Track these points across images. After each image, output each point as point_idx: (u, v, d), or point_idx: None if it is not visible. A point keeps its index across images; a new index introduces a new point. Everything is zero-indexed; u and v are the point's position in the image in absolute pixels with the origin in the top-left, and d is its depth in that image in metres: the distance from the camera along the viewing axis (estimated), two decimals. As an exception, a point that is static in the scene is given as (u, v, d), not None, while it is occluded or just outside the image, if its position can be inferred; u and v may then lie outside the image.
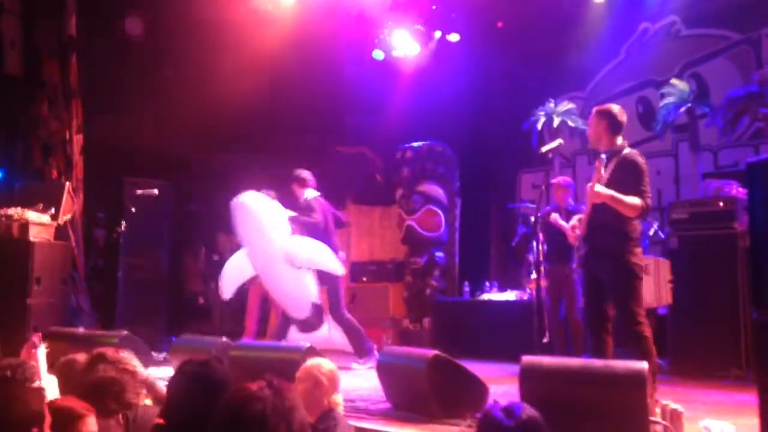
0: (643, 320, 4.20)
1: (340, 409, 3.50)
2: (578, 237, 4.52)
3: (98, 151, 8.69)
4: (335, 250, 6.65)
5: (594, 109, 4.54)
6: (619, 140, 4.42)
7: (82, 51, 8.67)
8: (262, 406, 1.77)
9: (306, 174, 6.98)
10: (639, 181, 4.23)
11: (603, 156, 4.37)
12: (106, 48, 9.03)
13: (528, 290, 7.59)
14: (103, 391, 2.85)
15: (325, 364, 3.57)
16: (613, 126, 4.39)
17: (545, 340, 5.73)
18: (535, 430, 1.92)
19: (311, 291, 6.66)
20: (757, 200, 2.90)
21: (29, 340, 3.81)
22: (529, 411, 1.95)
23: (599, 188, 4.19)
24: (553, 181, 6.87)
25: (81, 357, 3.25)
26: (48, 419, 2.41)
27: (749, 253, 3.27)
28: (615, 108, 4.45)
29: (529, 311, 6.54)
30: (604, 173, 4.31)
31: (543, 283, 6.21)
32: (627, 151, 4.36)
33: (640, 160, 4.32)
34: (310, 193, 6.91)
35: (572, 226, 4.67)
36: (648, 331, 4.21)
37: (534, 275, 6.18)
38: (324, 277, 6.67)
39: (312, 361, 3.64)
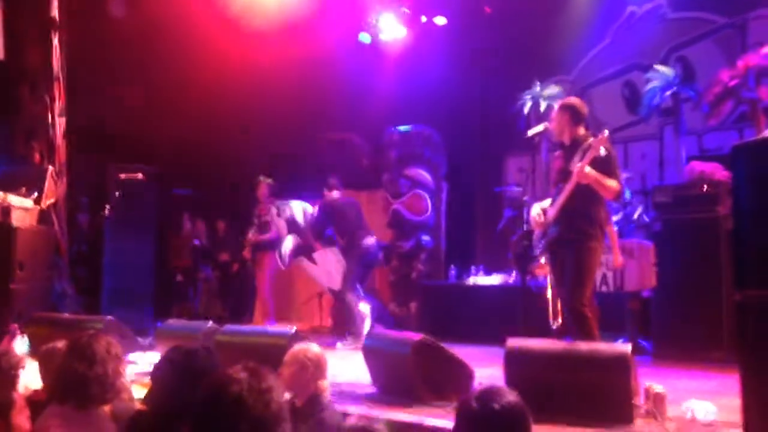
0: (586, 302, 4.32)
1: (327, 394, 3.50)
2: (544, 223, 4.58)
3: (82, 135, 8.60)
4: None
5: (556, 104, 4.84)
6: (582, 130, 4.62)
7: (65, 33, 8.55)
8: (239, 388, 1.79)
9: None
10: (612, 166, 4.38)
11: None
12: (90, 30, 8.91)
13: (538, 276, 7.47)
14: (81, 381, 2.74)
15: (312, 348, 3.58)
16: (575, 117, 4.60)
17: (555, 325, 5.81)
18: (512, 416, 1.89)
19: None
20: (742, 182, 2.91)
21: (9, 331, 3.79)
22: (508, 397, 1.91)
23: (589, 170, 4.23)
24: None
25: (62, 344, 3.20)
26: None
27: (732, 236, 3.29)
28: (576, 101, 4.72)
29: (514, 295, 6.54)
30: (574, 162, 4.40)
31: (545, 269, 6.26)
32: (591, 140, 4.44)
33: (608, 146, 4.43)
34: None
35: (538, 214, 4.70)
36: (590, 313, 4.31)
37: (543, 260, 6.24)
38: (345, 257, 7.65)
39: (299, 346, 3.64)
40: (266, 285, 8.31)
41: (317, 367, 3.48)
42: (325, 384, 3.51)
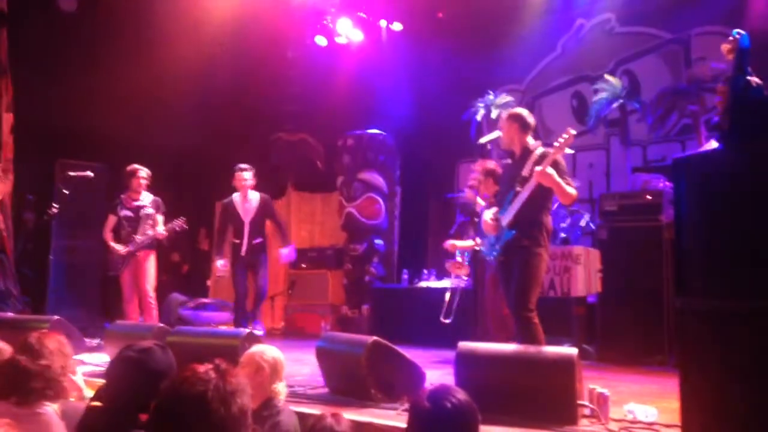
0: (533, 308, 4.46)
1: (282, 398, 3.51)
2: (497, 227, 4.70)
3: (29, 131, 8.40)
4: None
5: (504, 114, 5.01)
6: (530, 140, 4.78)
7: (13, 27, 8.34)
8: (204, 388, 1.80)
9: None
10: (564, 173, 4.51)
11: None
12: (39, 24, 8.71)
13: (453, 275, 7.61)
14: (23, 374, 2.71)
15: (269, 351, 3.58)
16: (524, 127, 4.76)
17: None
18: (462, 414, 1.96)
19: None
20: (682, 194, 3.03)
21: None
22: (458, 396, 1.98)
23: (551, 171, 4.35)
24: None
25: (5, 347, 3.13)
26: None
27: (673, 245, 3.44)
28: (524, 111, 4.87)
29: (465, 299, 6.67)
30: (527, 169, 4.53)
31: (466, 271, 6.48)
32: (541, 150, 4.58)
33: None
34: None
35: (491, 218, 4.83)
36: (536, 319, 4.46)
37: (459, 257, 6.53)
38: None
39: (257, 347, 3.65)
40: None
41: (273, 370, 3.47)
42: (282, 387, 3.52)
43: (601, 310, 6.64)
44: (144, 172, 7.09)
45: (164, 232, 6.94)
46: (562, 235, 7.50)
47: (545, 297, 6.83)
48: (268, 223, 7.36)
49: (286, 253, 7.35)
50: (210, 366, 1.87)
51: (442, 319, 6.62)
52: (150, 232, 6.90)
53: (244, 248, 7.09)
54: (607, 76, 8.43)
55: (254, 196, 7.20)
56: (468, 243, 6.61)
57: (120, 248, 6.91)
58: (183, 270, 10.48)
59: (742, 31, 3.01)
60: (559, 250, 6.92)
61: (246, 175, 7.14)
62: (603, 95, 8.29)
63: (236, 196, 7.18)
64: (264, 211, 7.22)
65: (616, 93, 8.20)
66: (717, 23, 7.92)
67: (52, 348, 2.83)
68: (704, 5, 8.13)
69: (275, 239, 7.84)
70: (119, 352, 2.60)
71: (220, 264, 7.11)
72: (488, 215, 4.85)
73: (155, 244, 7.09)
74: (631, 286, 6.40)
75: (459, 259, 6.98)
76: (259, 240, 7.16)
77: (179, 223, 6.93)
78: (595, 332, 6.67)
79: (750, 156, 2.62)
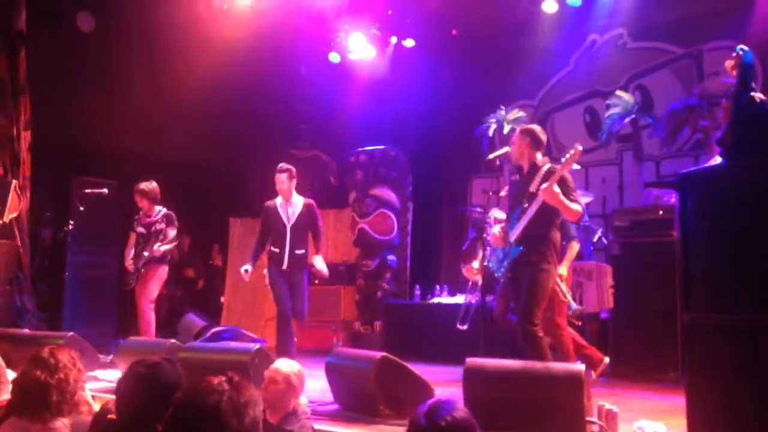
0: (538, 323, 4.47)
1: (304, 410, 3.58)
2: (506, 241, 4.71)
3: (47, 148, 8.53)
4: None
5: (518, 129, 4.99)
6: (539, 156, 4.80)
7: (32, 46, 8.51)
8: (218, 399, 1.83)
9: None
10: (571, 190, 4.53)
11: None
12: (57, 43, 8.88)
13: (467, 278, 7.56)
14: (41, 388, 2.73)
15: (284, 366, 3.64)
16: (535, 143, 4.78)
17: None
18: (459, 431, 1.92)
19: None
20: (688, 209, 3.03)
21: None
22: (454, 413, 1.92)
23: (557, 189, 4.37)
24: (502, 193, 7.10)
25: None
26: None
27: (680, 259, 3.43)
28: (537, 127, 4.88)
29: (476, 315, 6.66)
30: (535, 185, 4.54)
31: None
32: (549, 166, 4.59)
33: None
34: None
35: (500, 231, 4.85)
36: (541, 333, 4.47)
37: (476, 263, 6.58)
38: None
39: (283, 363, 3.70)
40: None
41: (300, 384, 3.58)
42: (304, 400, 3.58)
43: (614, 326, 6.61)
44: (141, 188, 6.91)
45: (159, 251, 6.73)
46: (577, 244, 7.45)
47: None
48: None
49: (319, 260, 6.50)
50: (223, 378, 1.90)
51: (458, 325, 6.62)
52: (154, 248, 6.75)
53: (285, 260, 6.37)
54: (619, 92, 8.42)
55: (298, 200, 6.58)
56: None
57: (130, 264, 6.95)
58: (198, 286, 10.53)
59: (745, 47, 3.02)
60: (571, 266, 6.89)
61: (281, 177, 6.50)
62: (615, 110, 8.28)
63: (279, 200, 6.59)
64: (308, 218, 6.54)
65: (628, 108, 8.18)
66: (729, 38, 7.89)
67: (66, 362, 2.85)
68: (716, 20, 8.12)
69: None
70: (129, 368, 2.63)
71: (244, 270, 6.48)
72: (497, 229, 4.88)
73: (167, 259, 7.00)
74: (643, 302, 6.36)
75: (476, 264, 6.99)
76: (301, 251, 6.45)
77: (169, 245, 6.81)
78: (608, 348, 6.62)
79: (752, 170, 2.61)
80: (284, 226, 6.45)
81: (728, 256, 2.65)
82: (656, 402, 5.22)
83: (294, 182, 6.57)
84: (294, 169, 6.63)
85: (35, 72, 8.51)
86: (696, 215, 2.96)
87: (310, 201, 6.67)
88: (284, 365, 3.65)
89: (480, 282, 6.58)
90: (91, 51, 9.10)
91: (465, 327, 6.60)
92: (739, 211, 2.67)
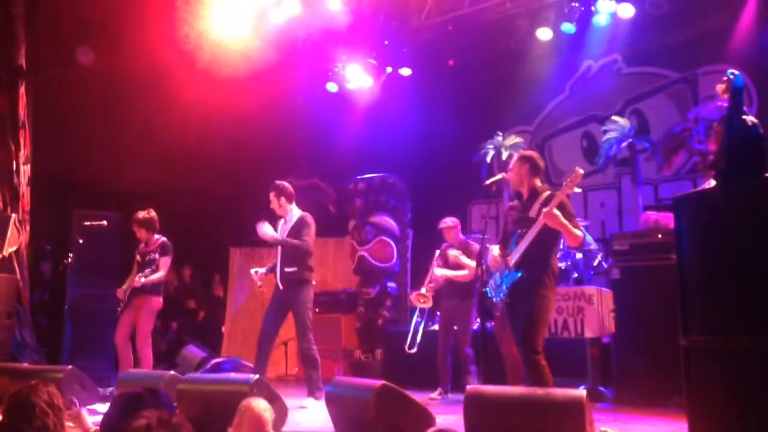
0: (540, 350, 4.46)
1: None
2: (503, 265, 4.70)
3: (46, 182, 8.58)
4: None
5: (516, 155, 5.06)
6: (538, 182, 4.83)
7: (31, 81, 8.59)
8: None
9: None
10: (571, 215, 4.51)
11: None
12: (56, 78, 8.96)
13: (416, 305, 7.60)
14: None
15: (252, 405, 3.61)
16: (534, 169, 4.81)
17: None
18: None
19: None
20: (683, 232, 3.04)
21: None
22: None
23: (557, 212, 4.37)
24: (441, 225, 7.28)
25: None
26: None
27: (677, 283, 3.42)
28: (535, 154, 4.93)
29: (476, 342, 6.63)
30: (534, 210, 4.55)
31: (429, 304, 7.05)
32: (548, 192, 4.59)
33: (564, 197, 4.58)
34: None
35: (499, 255, 4.85)
36: (543, 361, 4.45)
37: (424, 290, 7.22)
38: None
39: (245, 401, 3.67)
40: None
41: (254, 426, 3.53)
42: None
43: (616, 350, 6.55)
44: (138, 217, 6.87)
45: (140, 281, 6.57)
46: (575, 275, 7.46)
47: (559, 338, 6.78)
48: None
49: (266, 227, 6.32)
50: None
51: (407, 349, 6.98)
52: (135, 279, 6.64)
53: (278, 278, 6.33)
54: (615, 117, 8.48)
55: (294, 216, 6.50)
56: (446, 271, 6.69)
57: (121, 291, 6.83)
58: (199, 317, 10.49)
59: (735, 71, 3.05)
60: (572, 291, 6.88)
61: (270, 196, 6.51)
62: (612, 135, 8.33)
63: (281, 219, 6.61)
64: (295, 230, 6.36)
65: (625, 133, 8.23)
66: (723, 62, 7.96)
67: (43, 405, 2.76)
68: (710, 45, 8.20)
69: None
70: (112, 401, 2.63)
71: (254, 272, 6.40)
72: (495, 250, 4.86)
73: (159, 290, 6.84)
74: (645, 326, 6.31)
75: (424, 291, 7.09)
76: (291, 269, 6.31)
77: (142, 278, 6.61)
78: (610, 374, 6.57)
79: (745, 192, 2.62)
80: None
81: (722, 278, 2.65)
82: (659, 427, 5.17)
83: (283, 199, 6.51)
84: (283, 185, 6.56)
85: (34, 106, 8.58)
86: (691, 237, 2.96)
87: (304, 214, 6.56)
88: (243, 402, 3.62)
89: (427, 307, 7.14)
90: (90, 84, 9.18)
91: (413, 351, 6.98)
92: (732, 233, 2.67)
